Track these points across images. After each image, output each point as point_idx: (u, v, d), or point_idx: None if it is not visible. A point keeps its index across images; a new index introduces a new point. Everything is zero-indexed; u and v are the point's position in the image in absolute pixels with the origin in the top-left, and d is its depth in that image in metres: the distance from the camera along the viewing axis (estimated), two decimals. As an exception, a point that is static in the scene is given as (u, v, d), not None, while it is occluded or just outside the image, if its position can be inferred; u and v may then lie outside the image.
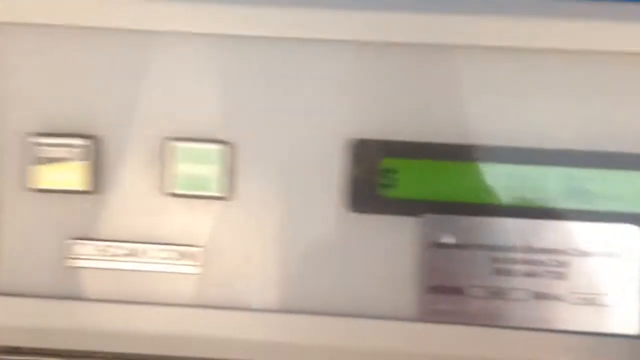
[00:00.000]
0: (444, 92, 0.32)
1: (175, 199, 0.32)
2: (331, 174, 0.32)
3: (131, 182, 0.32)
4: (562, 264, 0.31)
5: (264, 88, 0.32)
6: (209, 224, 0.32)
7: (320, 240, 0.32)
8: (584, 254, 0.31)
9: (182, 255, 0.32)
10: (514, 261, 0.31)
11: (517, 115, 0.32)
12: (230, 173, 0.32)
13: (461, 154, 0.32)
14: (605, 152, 0.31)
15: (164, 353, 0.33)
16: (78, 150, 0.32)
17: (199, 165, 0.32)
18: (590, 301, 0.31)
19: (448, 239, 0.32)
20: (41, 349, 0.33)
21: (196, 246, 0.32)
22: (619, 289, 0.31)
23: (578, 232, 0.31)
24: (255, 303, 0.32)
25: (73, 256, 0.32)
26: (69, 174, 0.32)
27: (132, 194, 0.32)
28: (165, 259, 0.32)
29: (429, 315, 0.31)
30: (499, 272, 0.32)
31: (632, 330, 0.31)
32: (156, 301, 0.32)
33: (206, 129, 0.32)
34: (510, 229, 0.31)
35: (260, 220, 0.32)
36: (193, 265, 0.32)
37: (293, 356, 0.32)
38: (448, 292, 0.32)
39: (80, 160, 0.32)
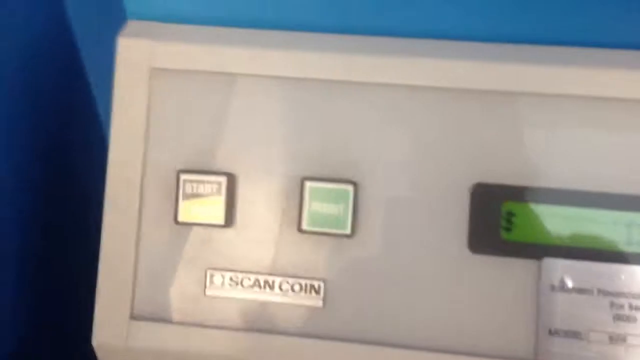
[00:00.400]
0: (562, 141, 0.33)
1: (303, 235, 0.34)
2: (453, 216, 0.33)
3: (262, 218, 0.35)
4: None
5: (389, 133, 0.34)
6: (334, 259, 0.34)
7: (441, 279, 0.33)
8: None
9: (307, 288, 0.34)
10: (634, 307, 0.32)
11: (634, 161, 0.32)
12: (355, 212, 0.34)
13: (579, 200, 0.33)
14: None
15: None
16: (216, 186, 0.34)
17: (327, 204, 0.34)
18: None
19: (568, 283, 0.32)
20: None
21: (320, 280, 0.34)
22: None
23: (701, 281, 0.32)
24: (375, 338, 0.34)
25: (210, 290, 0.35)
26: (209, 209, 0.34)
27: (263, 229, 0.35)
28: (291, 291, 0.34)
29: (547, 357, 0.32)
30: (619, 317, 0.32)
31: None
32: (281, 331, 0.34)
33: (335, 170, 0.34)
34: (630, 276, 0.32)
35: (382, 258, 0.34)
36: (316, 299, 0.34)
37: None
38: (566, 335, 0.32)
39: (218, 195, 0.34)
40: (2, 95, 0.40)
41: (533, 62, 0.33)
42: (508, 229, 0.33)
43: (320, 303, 0.34)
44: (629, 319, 0.32)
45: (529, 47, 0.33)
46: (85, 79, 0.45)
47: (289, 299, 0.34)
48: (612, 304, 0.32)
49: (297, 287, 0.34)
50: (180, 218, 0.35)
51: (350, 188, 0.34)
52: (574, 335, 0.32)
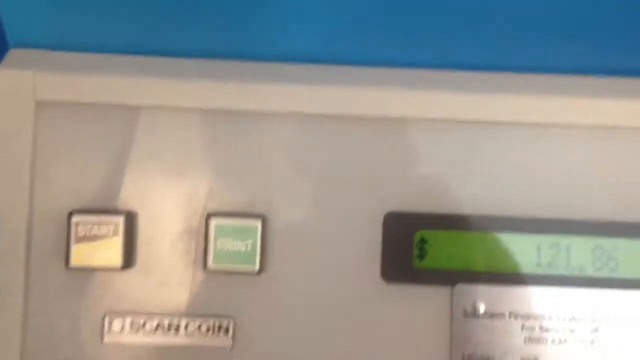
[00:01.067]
0: (472, 166, 0.32)
1: (210, 274, 0.32)
2: (366, 246, 0.32)
3: (164, 257, 0.32)
4: (591, 332, 0.32)
5: (298, 163, 0.32)
6: (243, 297, 0.32)
7: (355, 311, 0.32)
8: (612, 321, 0.32)
9: (215, 328, 0.32)
10: (545, 329, 0.32)
11: (545, 187, 0.32)
12: (264, 247, 0.32)
13: (490, 225, 0.32)
14: (631, 222, 0.32)
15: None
16: (112, 226, 0.32)
17: (233, 241, 0.32)
18: (620, 368, 0.32)
19: (480, 308, 0.32)
20: None
21: (229, 318, 0.32)
22: (647, 355, 0.32)
23: (606, 300, 0.32)
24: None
25: (108, 333, 0.32)
26: (105, 251, 0.32)
27: (166, 269, 0.32)
28: (197, 332, 0.32)
29: (463, 384, 0.32)
30: (530, 340, 0.32)
31: (661, 397, 0.32)
32: (190, 375, 0.32)
33: (242, 204, 0.32)
34: (540, 298, 0.32)
35: (293, 293, 0.32)
36: (225, 339, 0.32)
37: None
38: (481, 361, 0.32)
39: (115, 236, 0.32)
40: None
41: (443, 89, 0.33)
42: (421, 257, 0.33)
43: (229, 342, 0.32)
44: (539, 341, 0.32)
45: (443, 73, 0.33)
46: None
47: (196, 340, 0.32)
48: (523, 327, 0.32)
49: (204, 328, 0.32)
50: (73, 262, 0.32)
51: (257, 223, 0.32)
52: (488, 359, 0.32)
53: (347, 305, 0.32)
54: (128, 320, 0.32)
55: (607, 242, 0.32)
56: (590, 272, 0.32)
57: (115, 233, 0.32)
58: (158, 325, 0.32)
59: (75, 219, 0.32)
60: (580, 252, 0.32)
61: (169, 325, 0.32)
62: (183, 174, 0.33)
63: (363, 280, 0.32)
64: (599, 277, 0.32)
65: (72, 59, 0.33)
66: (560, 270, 0.32)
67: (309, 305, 0.32)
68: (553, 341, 0.32)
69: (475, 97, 0.32)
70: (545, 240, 0.32)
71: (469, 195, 0.32)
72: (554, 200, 0.32)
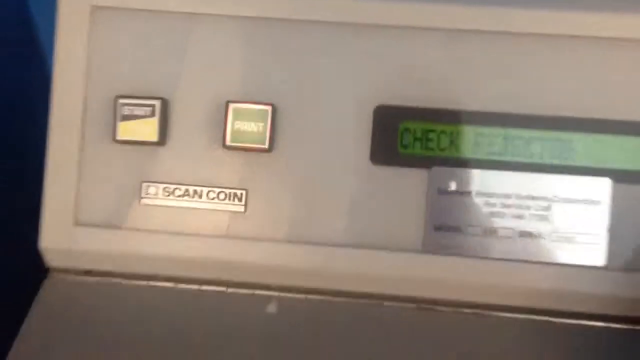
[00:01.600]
0: (449, 68, 0.38)
1: (227, 151, 0.39)
2: (358, 133, 0.39)
3: (192, 136, 0.39)
4: (545, 209, 0.38)
5: (304, 63, 0.39)
6: (254, 171, 0.39)
7: (348, 186, 0.39)
8: (563, 200, 0.38)
9: (231, 196, 0.39)
10: (505, 206, 0.38)
11: (511, 87, 0.38)
12: (273, 130, 0.39)
13: (463, 118, 0.38)
14: (586, 118, 0.37)
15: (211, 277, 0.39)
16: (150, 109, 0.39)
17: (248, 123, 0.38)
18: (567, 239, 0.37)
19: (451, 187, 0.38)
20: (110, 272, 0.40)
21: (242, 189, 0.39)
22: (590, 230, 0.37)
23: (560, 183, 0.38)
24: (289, 237, 0.39)
25: (145, 199, 0.39)
26: (144, 129, 0.39)
27: (193, 146, 0.39)
28: (217, 199, 0.39)
29: (433, 248, 0.38)
30: (492, 214, 0.38)
31: (599, 263, 0.37)
32: (208, 234, 0.39)
33: (256, 94, 0.39)
34: (503, 180, 0.38)
35: (296, 169, 0.39)
36: (238, 205, 0.39)
37: (314, 281, 0.39)
38: (449, 230, 0.38)
39: (153, 117, 0.39)
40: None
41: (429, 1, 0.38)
42: (404, 144, 0.39)
43: (242, 209, 0.39)
44: (499, 215, 0.38)
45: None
46: (31, 21, 0.48)
47: (216, 205, 0.39)
48: (486, 203, 0.38)
49: (222, 196, 0.39)
50: (118, 137, 0.39)
51: (268, 108, 0.38)
52: (455, 229, 0.38)
53: (342, 182, 0.39)
54: (161, 187, 0.39)
55: (565, 135, 0.38)
56: (547, 160, 0.38)
57: (152, 114, 0.39)
58: (185, 192, 0.39)
59: (121, 101, 0.39)
60: (538, 143, 0.38)
61: (194, 192, 0.39)
62: (210, 70, 0.39)
63: (355, 162, 0.39)
64: (554, 164, 0.38)
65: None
66: (521, 158, 0.38)
67: (309, 180, 0.39)
68: (512, 216, 0.38)
69: (453, 7, 0.38)
70: (510, 132, 0.38)
71: (446, 92, 0.38)
72: (519, 98, 0.38)
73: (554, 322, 0.38)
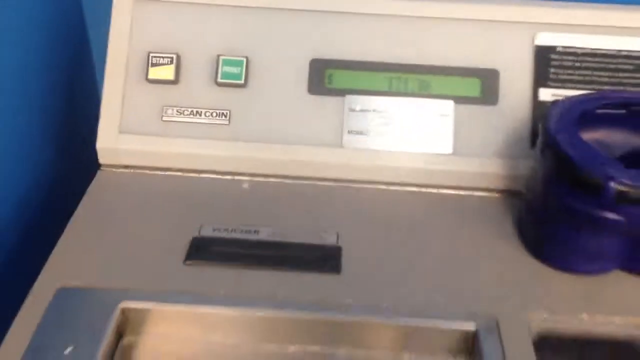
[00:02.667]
0: (356, 35, 0.61)
1: (217, 87, 0.61)
2: (301, 76, 0.61)
3: (195, 78, 0.61)
4: (414, 120, 0.60)
5: (269, 30, 0.62)
6: (235, 99, 0.61)
7: (293, 109, 0.61)
8: (426, 115, 0.60)
9: (219, 114, 0.61)
10: (390, 119, 0.60)
11: (393, 47, 0.61)
12: (247, 72, 0.61)
13: (364, 67, 0.61)
14: (437, 65, 0.61)
15: (207, 168, 0.61)
16: (169, 59, 0.61)
17: (232, 68, 0.61)
18: (428, 138, 0.60)
19: (357, 107, 0.61)
20: (141, 166, 0.61)
21: (227, 110, 0.61)
22: (442, 132, 0.60)
23: (423, 105, 0.60)
24: (259, 138, 0.61)
25: (165, 117, 0.61)
26: (166, 71, 0.61)
27: (194, 84, 0.61)
28: (211, 116, 0.61)
29: (348, 145, 0.60)
30: (384, 124, 0.60)
31: (448, 151, 0.60)
32: (206, 138, 0.61)
33: (237, 49, 0.61)
34: (388, 103, 0.61)
35: (261, 98, 0.61)
36: (225, 120, 0.61)
37: (274, 168, 0.61)
38: (357, 133, 0.60)
39: (170, 64, 0.61)
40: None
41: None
42: (328, 82, 0.61)
43: (227, 122, 0.61)
44: (387, 124, 0.60)
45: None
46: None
47: (207, 120, 0.61)
48: (379, 117, 0.61)
49: (214, 114, 0.61)
50: (149, 77, 0.61)
51: (244, 59, 0.61)
52: (360, 133, 0.60)
53: (291, 106, 0.61)
54: (175, 109, 0.61)
55: (424, 77, 0.61)
56: (415, 90, 0.61)
57: (170, 63, 0.61)
58: (191, 112, 0.61)
59: (151, 54, 0.61)
60: (409, 80, 0.61)
61: (196, 112, 0.61)
62: (206, 36, 0.62)
63: (299, 93, 0.61)
64: (419, 93, 0.61)
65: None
66: (400, 89, 0.61)
67: (269, 105, 0.61)
68: (394, 125, 0.60)
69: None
70: (392, 74, 0.61)
71: (353, 51, 0.61)
72: (397, 53, 0.61)
73: (421, 192, 0.60)
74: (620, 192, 0.45)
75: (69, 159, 0.68)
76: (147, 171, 0.62)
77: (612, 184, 0.45)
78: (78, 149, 0.64)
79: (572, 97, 0.54)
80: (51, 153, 0.68)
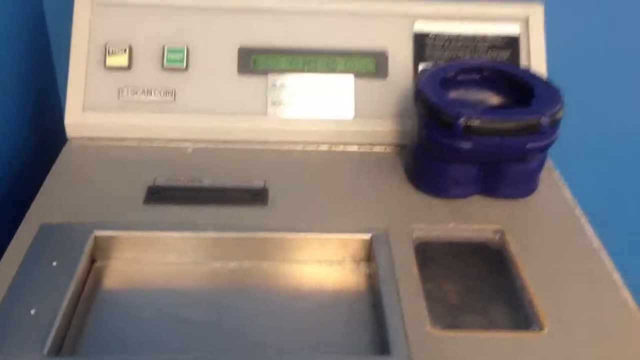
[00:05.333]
0: (274, 30, 0.74)
1: (164, 71, 0.73)
2: (232, 62, 0.73)
3: (147, 63, 0.73)
4: (323, 91, 0.73)
5: (206, 21, 0.74)
6: (177, 81, 0.73)
7: (225, 85, 0.73)
8: (333, 87, 0.73)
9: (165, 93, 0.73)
10: (302, 93, 0.73)
11: (307, 36, 0.74)
12: (187, 59, 0.73)
13: (282, 52, 0.74)
14: (341, 49, 0.74)
15: (156, 136, 0.72)
16: (123, 49, 0.72)
17: (175, 55, 0.73)
18: (334, 105, 0.73)
19: (277, 84, 0.73)
20: (102, 137, 0.72)
21: (172, 90, 0.73)
22: (345, 102, 0.73)
23: (330, 80, 0.74)
24: (197, 111, 0.73)
25: (122, 97, 0.72)
26: (120, 60, 0.72)
27: (147, 69, 0.73)
28: (158, 95, 0.73)
29: (271, 113, 0.73)
30: (298, 96, 0.73)
31: (349, 117, 0.73)
32: (153, 112, 0.72)
33: (177, 41, 0.73)
34: (302, 80, 0.73)
35: (199, 80, 0.73)
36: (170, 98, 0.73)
37: (213, 134, 0.72)
38: (280, 105, 0.73)
39: (124, 53, 0.72)
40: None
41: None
42: (254, 64, 0.74)
43: (172, 99, 0.73)
44: (301, 97, 0.73)
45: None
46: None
47: (156, 98, 0.72)
48: (296, 91, 0.73)
49: (161, 93, 0.73)
50: (107, 64, 0.72)
51: (185, 48, 0.73)
52: (282, 104, 0.73)
53: (224, 83, 0.73)
54: (129, 89, 0.72)
55: (331, 58, 0.74)
56: (324, 68, 0.74)
57: (124, 52, 0.72)
58: (142, 91, 0.72)
59: (108, 45, 0.72)
60: (319, 61, 0.74)
61: (147, 91, 0.72)
62: (153, 28, 0.73)
63: (229, 73, 0.73)
64: (327, 70, 0.74)
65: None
66: (311, 68, 0.74)
67: (205, 83, 0.73)
68: (309, 97, 0.73)
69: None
70: (306, 57, 0.74)
71: (272, 41, 0.74)
72: (310, 40, 0.74)
73: (330, 150, 0.73)
74: (467, 126, 0.59)
75: (39, 135, 0.78)
76: (109, 142, 0.73)
77: (462, 120, 0.59)
78: (46, 127, 0.74)
79: (437, 64, 0.68)
80: (23, 132, 0.77)
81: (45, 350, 0.47)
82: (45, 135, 0.78)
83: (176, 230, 0.60)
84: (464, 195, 0.65)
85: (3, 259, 0.56)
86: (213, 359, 0.50)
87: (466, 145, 0.60)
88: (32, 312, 0.50)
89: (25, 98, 0.78)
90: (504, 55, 0.75)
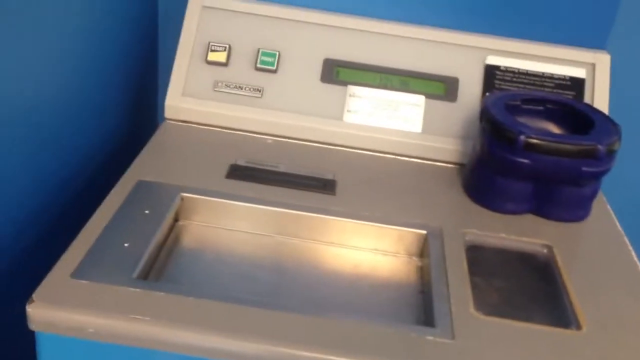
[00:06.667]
0: (358, 46, 0.81)
1: (256, 71, 0.80)
2: (317, 68, 0.80)
3: (240, 62, 0.81)
4: (396, 108, 0.79)
5: (293, 36, 0.82)
6: (267, 81, 0.80)
7: (311, 91, 0.80)
8: (404, 104, 0.79)
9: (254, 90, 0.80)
10: (380, 106, 0.79)
11: (386, 57, 0.81)
12: (278, 64, 0.80)
13: (363, 68, 0.81)
14: (413, 70, 0.80)
15: (246, 128, 0.79)
16: (223, 47, 0.81)
17: (268, 58, 0.80)
18: (405, 121, 0.79)
19: (357, 94, 0.80)
20: (197, 122, 0.79)
21: (261, 88, 0.80)
22: (415, 118, 0.79)
23: (403, 97, 0.80)
24: (279, 107, 0.79)
25: (217, 88, 0.80)
26: (220, 56, 0.80)
27: (241, 67, 0.81)
28: (248, 90, 0.80)
29: (347, 120, 0.79)
30: (376, 107, 0.79)
31: (418, 130, 0.79)
32: (243, 106, 0.79)
33: (270, 46, 0.81)
34: (380, 94, 0.80)
35: (285, 84, 0.80)
36: (258, 94, 0.80)
37: (288, 131, 0.79)
38: (357, 113, 0.79)
39: (223, 51, 0.80)
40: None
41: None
42: (337, 75, 0.81)
43: (260, 95, 0.80)
44: (379, 108, 0.79)
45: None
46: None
47: (246, 93, 0.80)
48: (374, 102, 0.80)
49: (251, 89, 0.80)
50: (208, 59, 0.80)
51: (277, 52, 0.81)
52: (359, 112, 0.79)
53: (309, 89, 0.80)
54: (225, 83, 0.80)
55: (404, 78, 0.80)
56: (398, 87, 0.80)
57: (224, 50, 0.80)
58: (235, 86, 0.80)
59: (211, 43, 0.80)
60: (395, 79, 0.80)
61: (238, 86, 0.80)
62: (251, 33, 0.81)
63: (314, 81, 0.80)
64: (401, 89, 0.80)
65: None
66: (387, 84, 0.80)
67: (293, 88, 0.80)
68: (382, 109, 0.79)
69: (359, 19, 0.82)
70: (383, 75, 0.80)
71: (353, 56, 0.81)
72: (388, 61, 0.81)
73: (396, 159, 0.78)
74: (528, 143, 0.63)
75: (141, 114, 0.86)
76: (201, 126, 0.80)
77: (522, 137, 0.63)
78: (147, 109, 0.83)
79: (503, 91, 0.73)
80: (124, 111, 0.86)
81: (135, 274, 0.53)
82: (145, 115, 0.86)
83: (250, 203, 0.66)
84: (517, 211, 0.69)
85: (103, 203, 0.63)
86: (275, 304, 0.54)
87: (525, 161, 0.64)
88: (126, 245, 0.57)
89: (129, 81, 0.87)
90: (568, 94, 0.80)
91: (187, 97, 0.80)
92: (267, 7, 0.83)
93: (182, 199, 0.66)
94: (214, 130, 0.80)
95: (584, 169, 0.65)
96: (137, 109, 0.86)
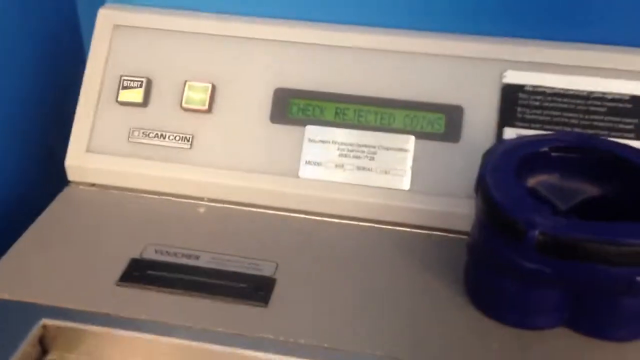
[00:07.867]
0: (318, 69, 0.58)
1: (183, 111, 0.59)
2: (264, 104, 0.58)
3: (163, 101, 0.59)
4: (373, 153, 0.56)
5: (238, 65, 0.59)
6: (199, 124, 0.59)
7: (255, 134, 0.58)
8: (385, 148, 0.56)
9: (182, 139, 0.59)
10: (350, 150, 0.56)
11: (360, 81, 0.57)
12: (212, 99, 0.58)
13: (328, 98, 0.57)
14: (400, 99, 0.56)
15: (166, 190, 0.58)
16: (139, 83, 0.59)
17: (197, 94, 0.58)
18: (386, 172, 0.55)
19: (316, 139, 0.57)
20: (106, 185, 0.59)
21: (190, 134, 0.58)
22: (401, 167, 0.55)
23: (383, 138, 0.56)
24: (219, 164, 0.58)
25: (132, 138, 0.59)
26: (134, 94, 0.59)
27: (164, 108, 0.59)
28: (174, 140, 0.59)
29: (305, 175, 0.56)
30: (342, 155, 0.56)
31: (405, 187, 0.55)
32: (168, 160, 0.58)
33: (202, 77, 0.59)
34: (349, 135, 0.56)
35: (226, 125, 0.58)
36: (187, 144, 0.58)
37: (234, 195, 0.57)
38: (315, 164, 0.56)
39: (140, 88, 0.59)
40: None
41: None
42: (290, 112, 0.58)
43: (188, 146, 0.58)
44: (346, 156, 0.56)
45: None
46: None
47: (172, 143, 0.58)
48: (338, 148, 0.56)
49: (177, 137, 0.58)
50: (119, 99, 0.59)
51: (209, 85, 0.58)
52: (318, 164, 0.56)
53: (253, 133, 0.58)
54: (141, 131, 0.59)
55: (388, 110, 0.56)
56: (377, 123, 0.56)
57: (140, 86, 0.59)
58: (156, 135, 0.59)
59: (123, 77, 0.59)
60: (372, 113, 0.56)
61: (161, 135, 0.59)
62: (175, 62, 0.59)
63: (261, 121, 0.58)
64: (381, 127, 0.56)
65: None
66: (362, 122, 0.56)
67: (233, 131, 0.58)
68: (353, 156, 0.56)
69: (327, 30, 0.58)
70: (357, 107, 0.57)
71: (316, 83, 0.57)
72: (363, 87, 0.57)
73: (374, 227, 0.55)
74: (541, 241, 0.39)
75: (40, 175, 0.67)
76: (112, 190, 0.60)
77: (535, 232, 0.39)
78: (50, 166, 0.63)
79: (521, 137, 0.48)
80: (23, 168, 0.67)
81: None
82: (47, 177, 0.66)
83: (138, 331, 0.45)
84: (543, 326, 0.45)
85: None
86: None
87: (537, 267, 0.40)
88: None
89: (32, 132, 0.68)
90: (628, 123, 0.53)
91: (93, 154, 0.59)
92: (197, 22, 0.60)
93: (45, 326, 0.46)
94: (128, 196, 0.59)
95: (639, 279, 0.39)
96: (41, 168, 0.66)
